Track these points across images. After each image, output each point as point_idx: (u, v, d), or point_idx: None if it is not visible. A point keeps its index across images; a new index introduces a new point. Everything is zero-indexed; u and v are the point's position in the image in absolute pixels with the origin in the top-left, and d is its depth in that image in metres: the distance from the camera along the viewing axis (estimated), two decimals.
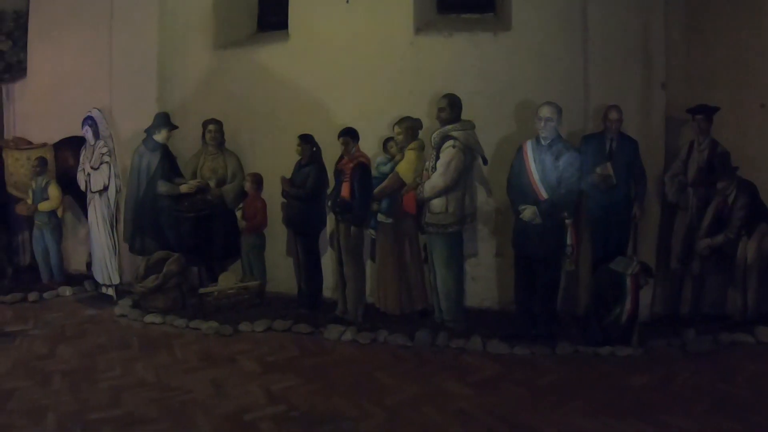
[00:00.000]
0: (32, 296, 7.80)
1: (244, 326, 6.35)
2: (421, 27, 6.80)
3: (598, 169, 5.91)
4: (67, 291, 7.97)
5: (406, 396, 4.73)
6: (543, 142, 5.58)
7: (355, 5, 6.96)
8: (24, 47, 9.59)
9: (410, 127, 6.19)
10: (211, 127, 7.39)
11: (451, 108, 5.92)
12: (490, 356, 5.45)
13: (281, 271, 7.40)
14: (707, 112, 6.04)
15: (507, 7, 6.58)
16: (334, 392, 4.83)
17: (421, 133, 6.25)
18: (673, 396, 4.67)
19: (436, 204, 5.87)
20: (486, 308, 6.51)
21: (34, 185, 8.12)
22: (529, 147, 5.63)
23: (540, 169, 5.55)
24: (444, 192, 5.82)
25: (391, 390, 4.84)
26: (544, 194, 5.51)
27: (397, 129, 6.21)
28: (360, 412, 4.49)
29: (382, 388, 4.88)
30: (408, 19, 6.77)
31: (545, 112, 5.55)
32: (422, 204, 6.01)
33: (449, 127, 5.88)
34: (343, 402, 4.65)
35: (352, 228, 6.18)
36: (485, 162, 6.09)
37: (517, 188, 5.67)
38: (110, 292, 7.60)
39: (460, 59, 6.59)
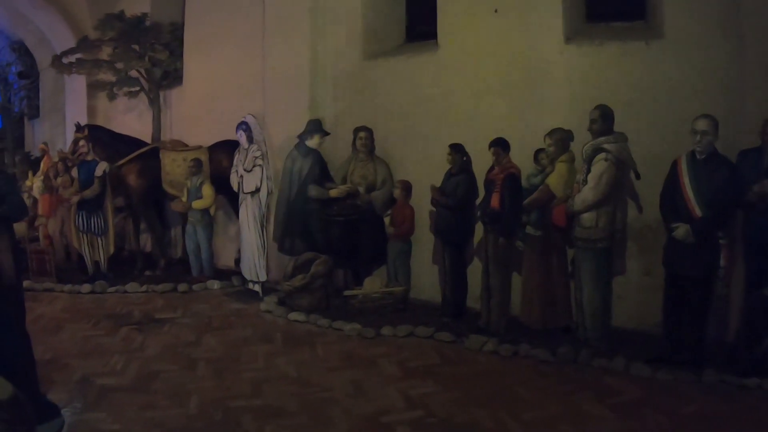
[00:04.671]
0: (182, 287, 8.31)
1: (386, 330, 6.42)
2: (571, 36, 6.65)
3: (755, 187, 5.46)
4: (215, 284, 8.43)
5: (544, 413, 4.62)
6: (698, 157, 5.29)
7: (504, 14, 6.92)
8: (180, 56, 10.25)
9: (561, 138, 6.06)
10: (361, 134, 7.57)
11: (604, 119, 5.74)
12: (632, 379, 5.22)
13: (426, 279, 7.45)
14: None
15: (658, 14, 6.32)
16: (472, 402, 4.79)
17: (572, 145, 6.11)
18: None
19: (587, 218, 5.71)
20: (631, 329, 6.21)
21: (189, 184, 8.61)
22: (683, 162, 5.35)
23: (695, 185, 5.26)
24: (594, 206, 5.65)
25: (529, 405, 4.74)
26: (698, 212, 5.22)
27: (548, 140, 6.10)
28: (497, 425, 4.43)
29: (520, 403, 4.78)
30: (557, 29, 6.64)
31: (701, 125, 5.25)
32: (572, 217, 5.85)
33: (601, 139, 5.70)
34: (480, 413, 4.60)
35: (501, 239, 6.11)
36: (638, 176, 5.84)
37: (671, 205, 5.41)
38: (257, 288, 7.91)
39: (611, 69, 6.39)
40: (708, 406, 4.72)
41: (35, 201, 9.50)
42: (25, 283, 6.77)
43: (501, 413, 4.58)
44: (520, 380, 5.20)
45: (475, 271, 6.85)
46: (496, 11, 6.96)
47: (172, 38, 10.32)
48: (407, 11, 8.32)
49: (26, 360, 4.51)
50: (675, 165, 5.43)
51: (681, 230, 5.27)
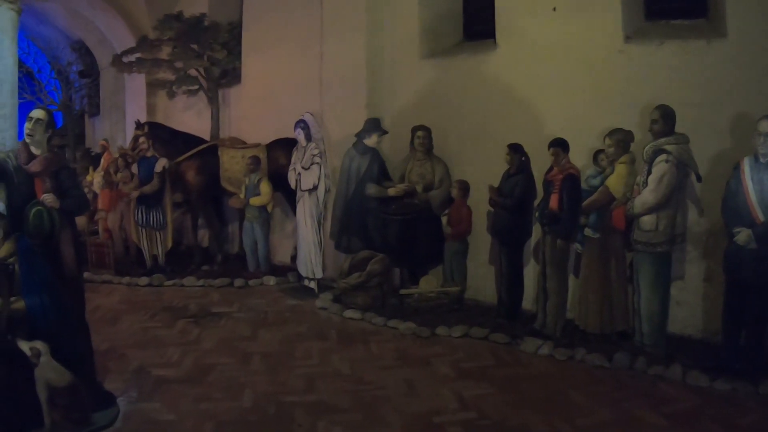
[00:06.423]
0: (238, 282, 8.43)
1: (441, 330, 6.41)
2: (631, 35, 6.52)
3: None
4: (271, 280, 8.52)
5: (597, 419, 4.56)
6: (762, 160, 5.13)
7: (562, 13, 6.84)
8: (238, 55, 10.38)
9: (622, 139, 5.94)
10: (419, 133, 7.56)
11: (665, 120, 5.63)
12: (688, 387, 5.10)
13: (482, 279, 7.41)
14: None
15: (720, 12, 6.14)
16: (525, 406, 4.76)
17: (632, 146, 5.99)
18: None
19: (646, 221, 5.61)
20: (688, 336, 6.09)
21: (247, 181, 8.73)
22: (746, 164, 5.20)
23: (758, 189, 5.10)
24: (655, 209, 5.54)
25: (583, 410, 4.69)
26: (761, 217, 5.07)
27: (608, 141, 5.98)
28: (550, 429, 4.40)
29: (574, 408, 4.73)
30: (617, 27, 6.52)
31: (765, 126, 5.10)
32: (631, 220, 5.76)
33: (662, 140, 5.60)
34: (533, 417, 4.56)
35: (559, 241, 6.05)
36: (699, 179, 5.73)
37: (732, 209, 5.26)
38: (312, 285, 7.98)
39: (672, 68, 6.23)
40: (766, 417, 4.59)
41: (95, 195, 9.71)
42: (85, 275, 6.96)
43: (554, 417, 4.54)
44: (575, 385, 5.14)
45: (531, 272, 6.83)
46: (554, 9, 6.89)
47: (230, 38, 10.47)
48: (464, 9, 8.28)
49: (84, 349, 4.68)
50: (738, 167, 5.28)
51: (743, 235, 5.14)
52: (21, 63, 10.87)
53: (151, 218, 8.83)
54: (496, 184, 6.73)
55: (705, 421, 4.54)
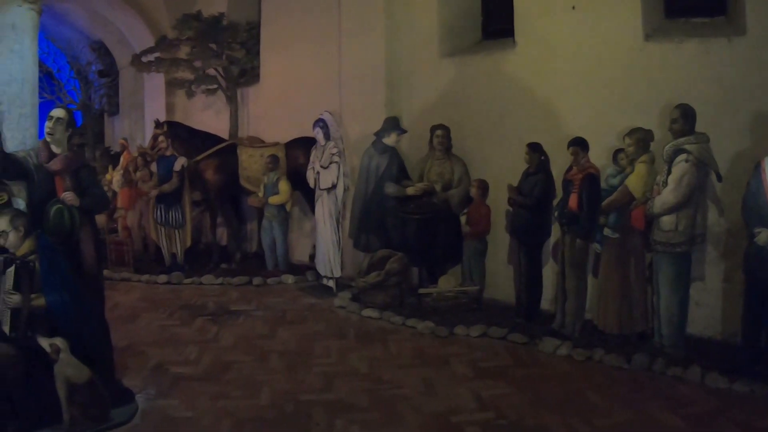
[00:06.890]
0: (257, 281, 8.47)
1: (459, 329, 6.40)
2: (651, 33, 6.46)
3: None
4: (289, 279, 8.56)
5: (616, 420, 4.53)
6: None
7: (581, 11, 6.80)
8: (257, 55, 10.45)
9: (641, 138, 5.88)
10: (438, 132, 7.53)
11: (685, 119, 5.58)
12: (707, 389, 5.04)
13: (500, 279, 7.38)
14: None
15: (740, 10, 6.05)
16: (543, 406, 4.73)
17: (652, 145, 5.93)
18: None
19: (666, 221, 5.55)
20: (707, 337, 6.03)
21: (265, 180, 8.76)
22: (767, 164, 5.12)
23: None
24: (675, 209, 5.49)
25: (601, 412, 4.65)
26: None
27: (627, 140, 5.93)
28: (567, 430, 4.37)
29: (592, 409, 4.69)
30: (636, 25, 6.47)
31: None
32: (651, 220, 5.71)
33: (682, 139, 5.54)
34: (551, 417, 4.54)
35: (578, 240, 6.02)
36: (719, 179, 5.67)
37: (753, 209, 5.19)
38: (331, 284, 8.01)
39: (692, 67, 6.18)
40: None
41: (115, 194, 9.79)
42: (104, 273, 7.00)
43: (572, 418, 4.51)
44: (593, 386, 5.10)
45: (550, 272, 6.80)
46: (573, 8, 6.85)
47: (249, 37, 10.53)
48: (483, 8, 8.25)
49: (103, 346, 4.72)
50: (758, 167, 5.21)
51: (763, 235, 5.06)
52: (41, 63, 10.96)
53: (170, 217, 8.88)
54: (515, 184, 6.71)
55: (723, 422, 4.49)
